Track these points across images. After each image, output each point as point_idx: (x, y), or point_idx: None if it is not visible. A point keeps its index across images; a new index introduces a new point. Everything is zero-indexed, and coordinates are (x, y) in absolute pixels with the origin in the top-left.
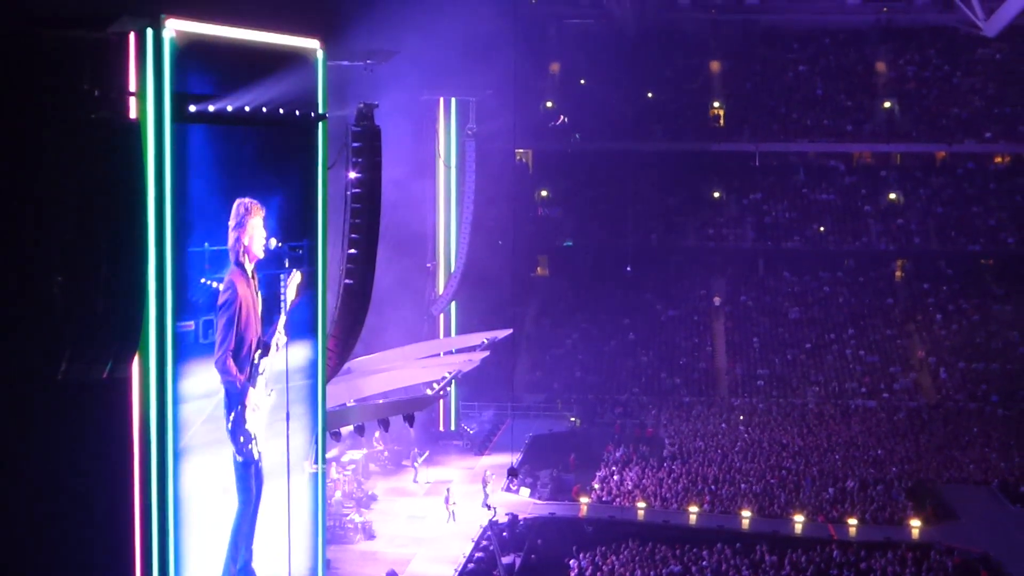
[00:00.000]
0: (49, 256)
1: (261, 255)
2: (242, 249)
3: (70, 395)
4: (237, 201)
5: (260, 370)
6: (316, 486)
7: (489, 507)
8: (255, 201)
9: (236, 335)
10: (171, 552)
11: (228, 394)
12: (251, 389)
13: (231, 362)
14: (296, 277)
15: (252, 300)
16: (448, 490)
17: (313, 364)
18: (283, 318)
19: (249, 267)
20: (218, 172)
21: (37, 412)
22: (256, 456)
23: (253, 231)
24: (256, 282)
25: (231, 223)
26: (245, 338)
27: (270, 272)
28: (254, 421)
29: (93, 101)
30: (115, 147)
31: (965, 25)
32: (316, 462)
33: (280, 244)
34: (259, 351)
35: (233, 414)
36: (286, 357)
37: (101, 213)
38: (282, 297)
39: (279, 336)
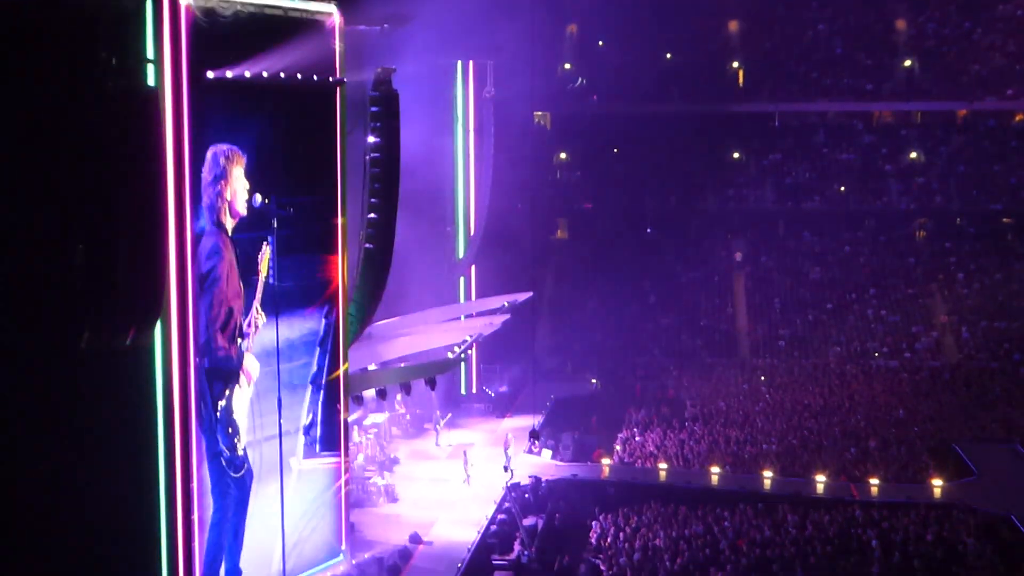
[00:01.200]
0: (69, 226)
1: (244, 212)
2: (224, 206)
3: (93, 364)
4: (212, 149)
5: (244, 347)
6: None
7: (507, 469)
8: (234, 148)
9: (225, 309)
10: (196, 522)
11: (220, 373)
12: (242, 368)
13: (221, 338)
14: (266, 253)
15: (234, 265)
16: (465, 453)
17: (312, 340)
18: (259, 294)
19: (230, 227)
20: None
21: (60, 382)
22: (240, 451)
23: (236, 184)
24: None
25: (207, 176)
26: (234, 310)
27: (249, 235)
28: (241, 406)
29: (110, 69)
30: (133, 115)
31: None
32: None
33: (267, 200)
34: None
35: (223, 400)
36: (276, 334)
37: (121, 182)
38: (259, 270)
39: (256, 315)
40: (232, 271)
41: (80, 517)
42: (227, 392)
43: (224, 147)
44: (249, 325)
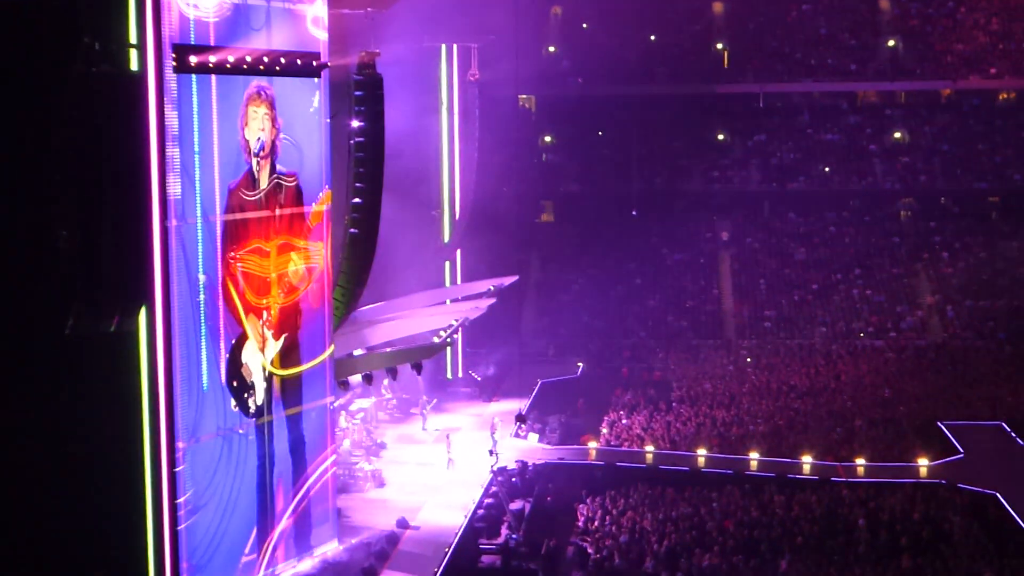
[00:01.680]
0: (54, 211)
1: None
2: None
3: (78, 349)
4: None
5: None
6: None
7: (492, 453)
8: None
9: None
10: (182, 505)
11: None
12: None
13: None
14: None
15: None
16: (448, 437)
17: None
18: None
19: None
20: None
21: (45, 367)
22: (252, 411)
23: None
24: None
25: None
26: None
27: None
28: (255, 365)
29: (94, 54)
30: (117, 100)
31: None
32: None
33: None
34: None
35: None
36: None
37: (105, 167)
38: None
39: None
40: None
41: (66, 500)
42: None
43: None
44: None
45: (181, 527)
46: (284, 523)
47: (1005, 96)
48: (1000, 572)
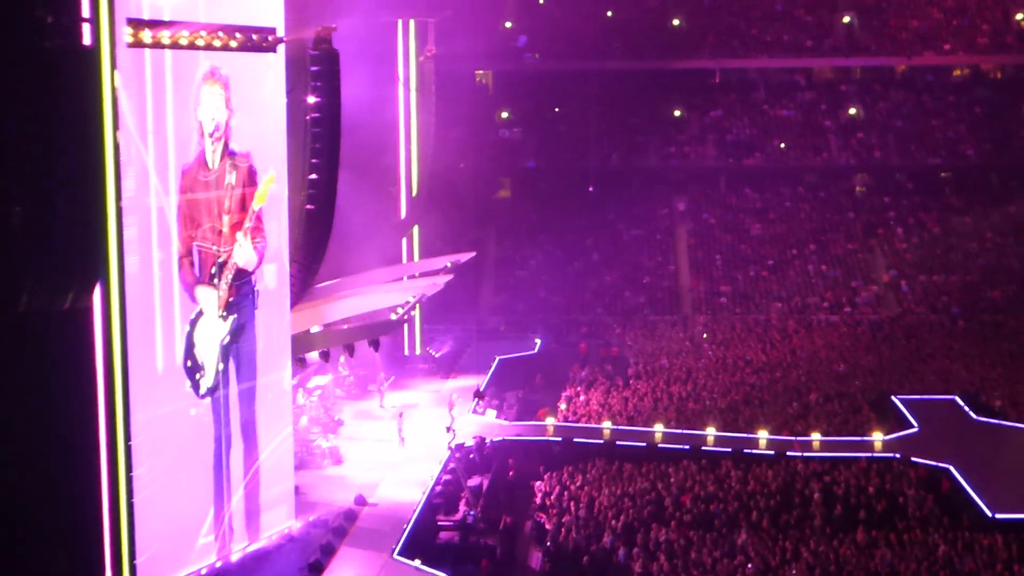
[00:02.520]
0: (7, 187)
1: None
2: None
3: (32, 326)
4: None
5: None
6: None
7: (449, 430)
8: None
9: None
10: (134, 482)
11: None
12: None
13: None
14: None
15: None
16: (400, 415)
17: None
18: None
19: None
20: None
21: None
22: (205, 389)
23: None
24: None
25: None
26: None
27: None
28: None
29: (46, 28)
30: (70, 74)
31: None
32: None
33: None
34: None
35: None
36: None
37: (58, 142)
38: None
39: None
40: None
41: (18, 478)
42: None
43: None
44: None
45: (136, 499)
46: (240, 501)
47: (959, 72)
48: (953, 545)
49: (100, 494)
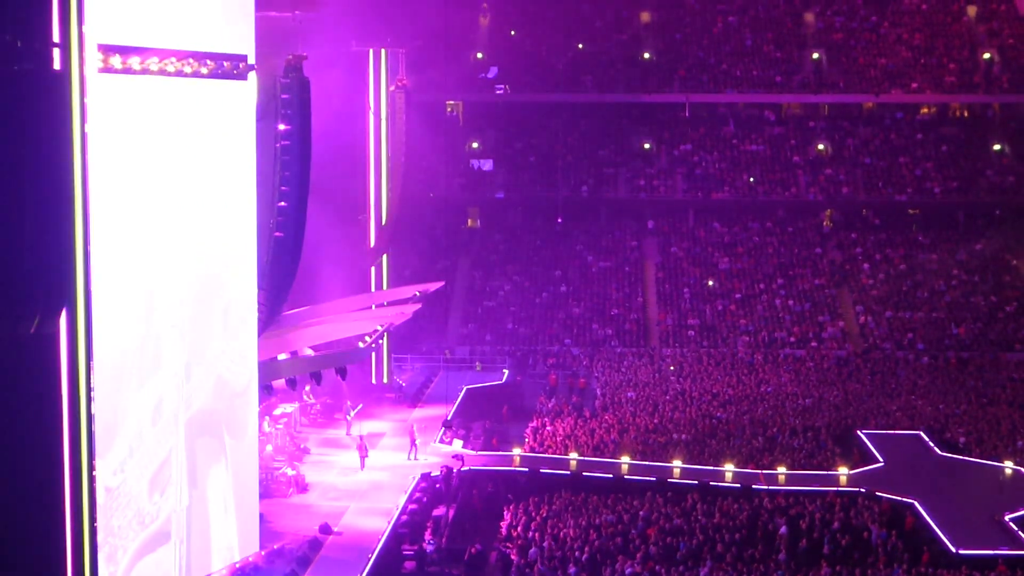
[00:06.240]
0: None
1: None
2: None
3: None
4: None
5: None
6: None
7: (412, 458)
8: None
9: None
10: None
11: None
12: None
13: None
14: None
15: None
16: (362, 437)
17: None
18: None
19: None
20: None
21: None
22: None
23: None
24: None
25: None
26: None
27: None
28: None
29: (16, 52)
30: (39, 99)
31: None
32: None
33: None
34: None
35: None
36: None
37: (27, 167)
38: None
39: None
40: None
41: None
42: None
43: None
44: None
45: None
46: (206, 530)
47: (926, 110)
48: None
49: (63, 524)
